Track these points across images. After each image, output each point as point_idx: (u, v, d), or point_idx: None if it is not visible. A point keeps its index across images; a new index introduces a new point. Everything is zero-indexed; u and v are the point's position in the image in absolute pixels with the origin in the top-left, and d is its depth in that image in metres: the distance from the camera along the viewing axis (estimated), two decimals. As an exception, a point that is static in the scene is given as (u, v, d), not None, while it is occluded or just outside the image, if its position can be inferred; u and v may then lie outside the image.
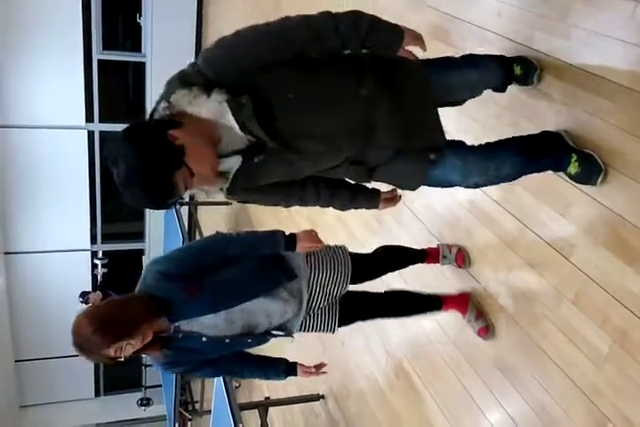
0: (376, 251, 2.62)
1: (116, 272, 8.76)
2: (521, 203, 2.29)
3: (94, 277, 7.54)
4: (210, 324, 1.99)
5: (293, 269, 2.18)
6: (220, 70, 1.46)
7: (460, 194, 2.65)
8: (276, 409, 4.62)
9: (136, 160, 1.37)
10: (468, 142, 1.87)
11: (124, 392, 9.85)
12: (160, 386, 7.83)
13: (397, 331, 3.21)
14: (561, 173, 2.06)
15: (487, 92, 2.06)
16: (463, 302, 2.55)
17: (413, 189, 1.84)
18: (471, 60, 1.98)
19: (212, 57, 1.48)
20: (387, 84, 1.60)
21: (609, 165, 1.89)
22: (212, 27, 7.40)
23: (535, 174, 2.17)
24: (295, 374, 2.36)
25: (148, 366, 8.73)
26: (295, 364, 2.38)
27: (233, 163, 1.51)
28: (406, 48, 1.59)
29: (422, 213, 2.98)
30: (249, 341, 2.09)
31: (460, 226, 2.67)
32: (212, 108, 1.44)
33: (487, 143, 1.91)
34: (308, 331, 2.27)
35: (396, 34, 1.56)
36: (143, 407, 8.79)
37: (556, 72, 2.07)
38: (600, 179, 1.90)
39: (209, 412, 4.87)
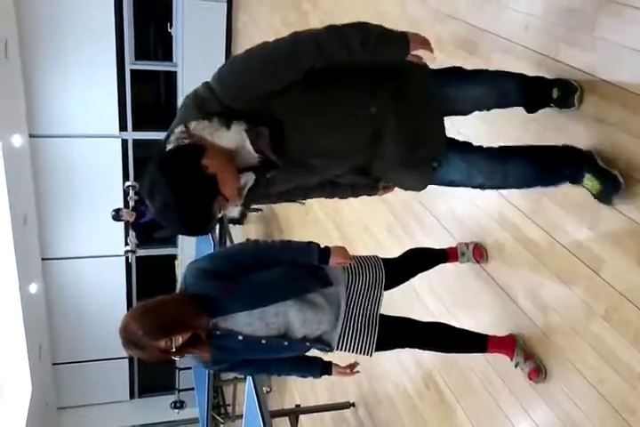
0: (404, 254, 2.68)
1: (149, 278, 8.94)
2: (549, 215, 2.27)
3: (126, 203, 7.53)
4: (245, 322, 2.05)
5: (329, 276, 2.21)
6: (234, 97, 1.48)
7: (487, 205, 2.64)
8: (306, 417, 4.65)
9: (174, 196, 1.41)
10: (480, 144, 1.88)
11: (158, 395, 10.02)
12: (193, 389, 7.94)
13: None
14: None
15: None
16: (509, 344, 2.42)
17: (419, 191, 1.91)
18: (478, 76, 1.96)
19: (226, 84, 1.49)
20: (396, 98, 1.63)
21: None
22: (242, 34, 7.49)
23: (562, 187, 2.16)
24: (330, 374, 2.39)
25: (182, 369, 8.85)
26: (330, 363, 2.41)
27: (246, 179, 1.56)
28: (413, 53, 1.61)
29: (450, 224, 2.98)
30: (285, 344, 2.11)
31: (489, 237, 2.65)
32: (232, 138, 1.48)
33: (500, 147, 1.91)
34: (346, 350, 2.25)
35: (402, 43, 1.57)
36: (177, 410, 8.92)
37: (584, 85, 2.05)
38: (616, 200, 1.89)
39: (241, 416, 4.92)
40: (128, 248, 7.29)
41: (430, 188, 1.90)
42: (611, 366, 2.00)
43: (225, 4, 7.65)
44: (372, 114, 1.60)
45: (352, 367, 2.46)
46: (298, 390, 5.46)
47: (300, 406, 4.62)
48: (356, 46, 1.51)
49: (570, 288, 2.17)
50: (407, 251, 2.71)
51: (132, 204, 7.24)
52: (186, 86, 7.73)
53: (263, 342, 2.08)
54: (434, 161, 1.76)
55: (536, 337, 2.36)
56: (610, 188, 1.88)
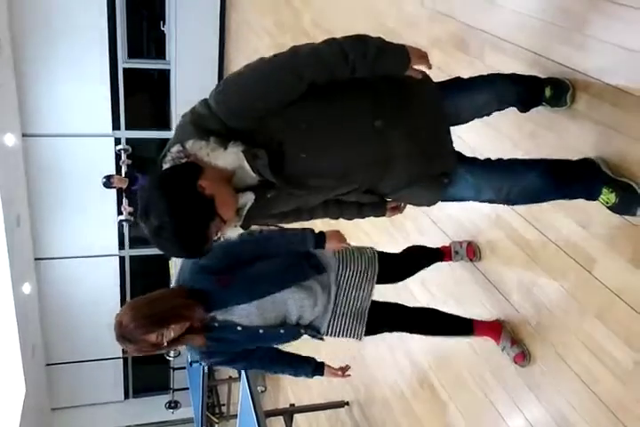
0: (405, 250, 2.71)
1: (143, 277, 8.90)
2: (543, 215, 2.27)
3: (119, 168, 7.20)
4: (243, 313, 2.10)
5: (322, 264, 2.26)
6: (233, 115, 1.43)
7: (480, 204, 2.63)
8: (301, 416, 4.65)
9: (170, 217, 1.35)
10: (486, 156, 1.86)
11: (152, 395, 9.99)
12: (188, 389, 7.93)
13: (420, 340, 3.21)
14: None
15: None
16: (496, 329, 2.47)
17: (428, 206, 1.87)
18: (477, 84, 1.93)
19: (225, 101, 1.43)
20: (401, 113, 1.58)
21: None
22: (235, 32, 7.46)
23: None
24: (322, 375, 2.45)
25: (176, 369, 8.84)
26: (323, 364, 2.47)
27: (246, 199, 1.49)
28: (413, 67, 1.57)
29: (442, 221, 2.98)
30: (282, 332, 2.17)
31: (482, 236, 2.66)
32: (229, 159, 1.42)
33: (509, 159, 1.87)
34: (335, 335, 2.28)
35: (402, 57, 1.53)
36: (171, 410, 8.92)
37: (576, 84, 2.05)
38: None
39: (235, 416, 4.92)
40: (122, 217, 6.88)
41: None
42: (603, 364, 2.00)
43: (218, 2, 7.62)
44: (376, 129, 1.53)
45: (344, 370, 2.52)
46: (292, 389, 5.46)
47: (294, 405, 4.62)
48: (357, 59, 1.46)
49: (562, 286, 2.18)
50: (407, 248, 2.74)
51: (124, 169, 6.86)
52: (179, 84, 7.72)
53: (261, 331, 2.13)
54: (444, 176, 1.71)
55: (529, 335, 2.36)
56: (628, 198, 1.80)
